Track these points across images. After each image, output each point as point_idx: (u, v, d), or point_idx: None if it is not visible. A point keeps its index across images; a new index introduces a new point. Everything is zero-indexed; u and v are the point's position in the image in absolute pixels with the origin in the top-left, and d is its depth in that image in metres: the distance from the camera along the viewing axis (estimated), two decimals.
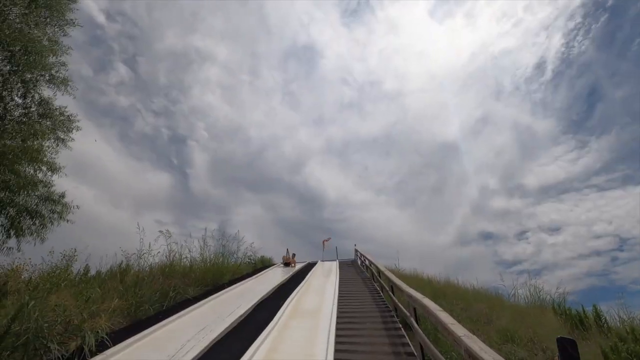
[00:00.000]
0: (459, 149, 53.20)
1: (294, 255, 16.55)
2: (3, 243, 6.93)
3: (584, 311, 6.26)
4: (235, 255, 12.97)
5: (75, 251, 7.05)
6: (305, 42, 59.79)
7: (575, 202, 38.37)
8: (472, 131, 54.48)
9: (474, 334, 2.67)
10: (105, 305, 5.41)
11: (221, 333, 5.35)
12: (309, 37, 59.62)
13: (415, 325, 4.64)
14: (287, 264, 15.60)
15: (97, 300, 5.46)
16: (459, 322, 3.06)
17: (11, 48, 6.33)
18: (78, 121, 8.07)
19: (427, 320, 4.70)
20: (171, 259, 8.94)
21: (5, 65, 6.57)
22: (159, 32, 51.00)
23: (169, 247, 9.10)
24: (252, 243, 14.28)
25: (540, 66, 48.45)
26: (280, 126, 59.27)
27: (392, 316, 6.61)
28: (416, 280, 10.16)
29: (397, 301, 6.43)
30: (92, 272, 7.31)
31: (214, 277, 9.28)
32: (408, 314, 5.15)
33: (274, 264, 15.45)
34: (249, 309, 6.89)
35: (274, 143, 58.05)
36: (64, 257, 6.91)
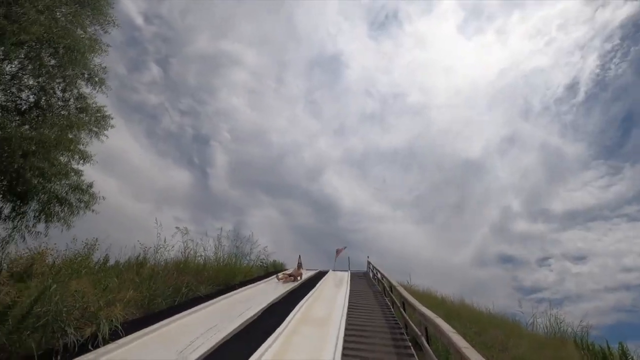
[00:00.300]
0: (482, 167, 51.90)
1: (300, 265, 13.88)
2: (33, 226, 7.28)
3: (608, 348, 5.90)
4: (248, 257, 13.06)
5: (97, 241, 7.34)
6: (332, 52, 60.73)
7: (604, 232, 36.44)
8: (498, 150, 53.17)
9: None
10: (121, 295, 5.57)
11: (230, 333, 5.38)
12: (336, 48, 60.54)
13: (426, 345, 4.50)
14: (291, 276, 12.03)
15: (113, 289, 5.63)
16: (473, 346, 2.94)
17: (56, 45, 6.75)
18: (112, 118, 8.48)
19: (439, 341, 4.55)
20: (186, 256, 9.13)
21: (50, 61, 7.01)
22: (191, 35, 53.10)
23: (185, 244, 9.31)
24: (266, 247, 14.31)
25: (572, 87, 46.96)
26: (302, 133, 60.08)
27: (402, 333, 6.44)
28: (429, 299, 9.88)
29: (408, 318, 6.27)
30: (111, 262, 7.57)
31: (226, 277, 9.39)
32: (419, 332, 5.00)
33: (286, 269, 14.11)
34: (258, 312, 6.90)
35: (294, 149, 58.81)
36: (86, 246, 7.20)
